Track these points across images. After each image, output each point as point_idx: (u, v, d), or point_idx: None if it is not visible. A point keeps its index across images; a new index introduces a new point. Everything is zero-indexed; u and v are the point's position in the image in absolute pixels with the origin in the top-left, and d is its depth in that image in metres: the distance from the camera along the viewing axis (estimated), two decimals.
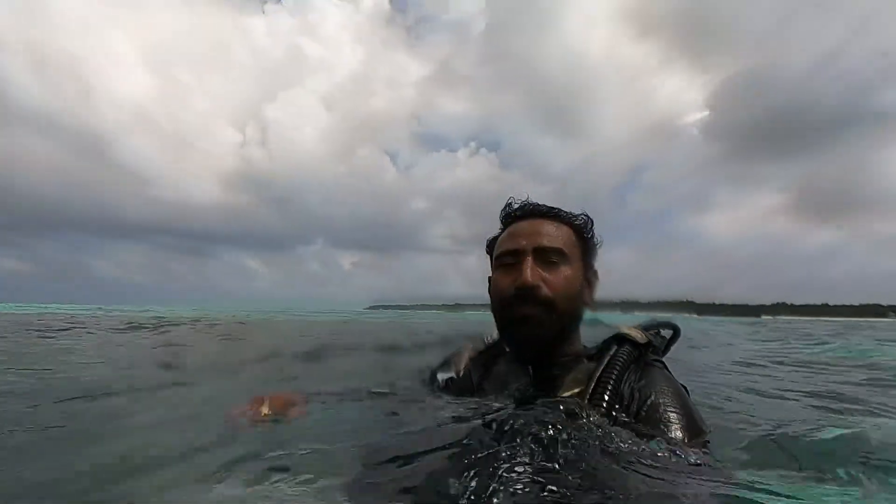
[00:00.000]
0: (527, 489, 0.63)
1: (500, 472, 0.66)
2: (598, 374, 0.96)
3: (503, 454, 0.70)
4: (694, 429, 0.89)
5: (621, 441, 0.78)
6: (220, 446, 1.01)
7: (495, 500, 0.61)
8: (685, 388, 1.01)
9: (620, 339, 1.03)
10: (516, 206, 1.15)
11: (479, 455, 0.72)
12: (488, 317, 1.12)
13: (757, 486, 0.77)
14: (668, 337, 1.15)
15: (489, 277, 1.16)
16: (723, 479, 0.77)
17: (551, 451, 0.71)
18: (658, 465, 0.74)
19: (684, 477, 0.73)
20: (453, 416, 1.01)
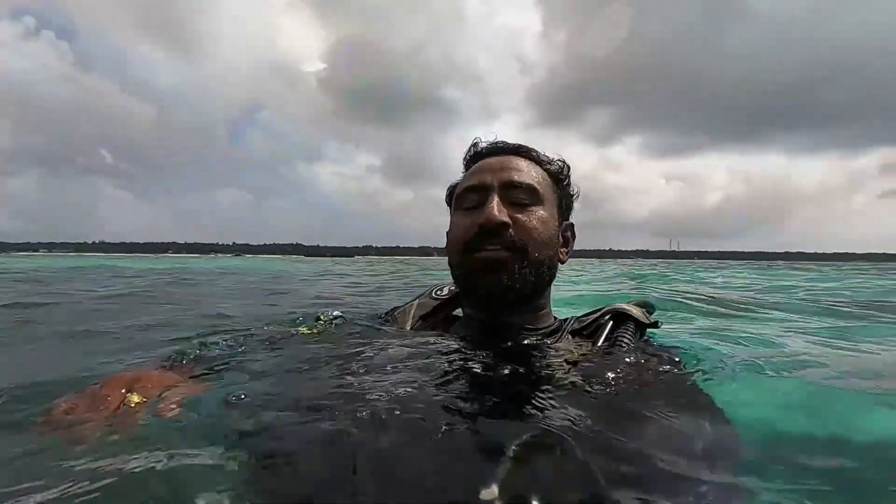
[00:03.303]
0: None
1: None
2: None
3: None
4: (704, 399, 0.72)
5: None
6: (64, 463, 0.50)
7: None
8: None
9: (617, 314, 0.85)
10: (483, 145, 0.97)
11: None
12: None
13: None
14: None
15: (447, 232, 0.96)
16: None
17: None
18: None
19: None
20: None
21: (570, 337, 0.87)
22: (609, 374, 0.71)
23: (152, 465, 0.50)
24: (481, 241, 0.84)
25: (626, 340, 0.78)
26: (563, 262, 0.95)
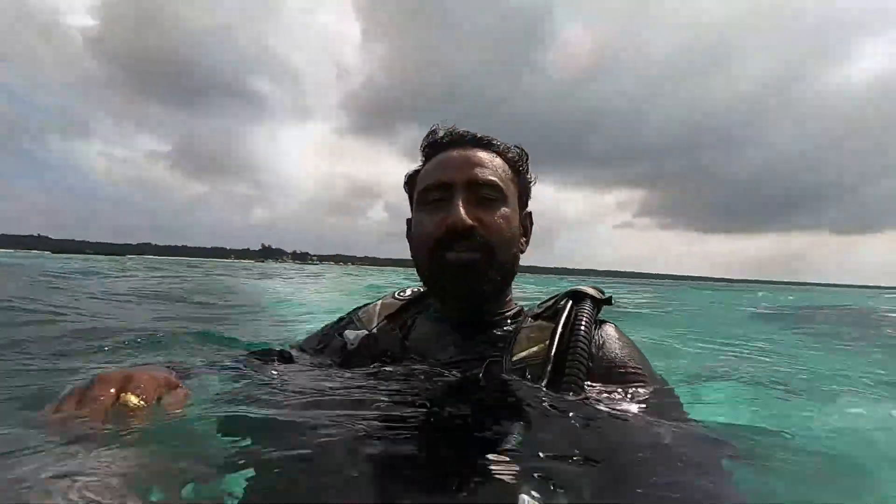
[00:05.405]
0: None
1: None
2: (559, 332, 0.80)
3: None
4: (660, 386, 0.81)
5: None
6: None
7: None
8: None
9: (576, 295, 0.88)
10: (442, 133, 0.96)
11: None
12: None
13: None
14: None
15: (408, 220, 0.99)
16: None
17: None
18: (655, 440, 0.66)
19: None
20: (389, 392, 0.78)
21: (531, 320, 0.89)
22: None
23: (147, 465, 0.53)
24: (449, 242, 0.86)
25: (584, 317, 0.82)
26: (523, 252, 0.97)
